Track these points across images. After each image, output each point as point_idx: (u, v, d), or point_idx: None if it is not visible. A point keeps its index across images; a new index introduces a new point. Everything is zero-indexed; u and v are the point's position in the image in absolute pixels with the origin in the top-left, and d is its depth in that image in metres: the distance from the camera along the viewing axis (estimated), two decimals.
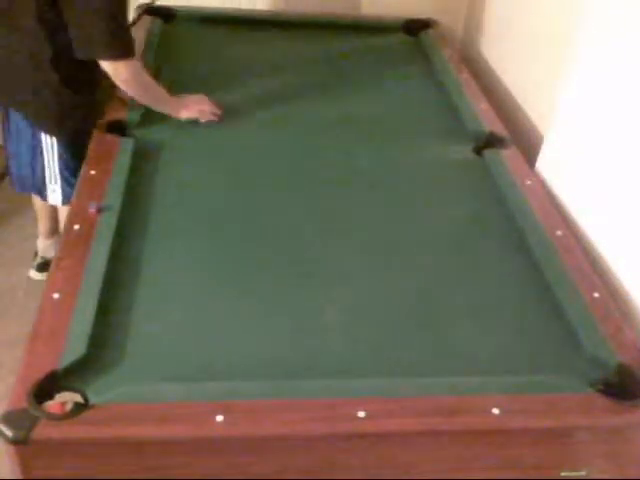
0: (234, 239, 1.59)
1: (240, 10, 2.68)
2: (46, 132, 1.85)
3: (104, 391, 1.16)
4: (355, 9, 2.85)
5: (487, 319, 1.43)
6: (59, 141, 1.87)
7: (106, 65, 1.75)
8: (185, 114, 1.96)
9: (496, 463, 1.24)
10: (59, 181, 1.95)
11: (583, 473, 1.26)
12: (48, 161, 1.91)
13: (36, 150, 1.90)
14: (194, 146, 1.91)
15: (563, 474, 1.26)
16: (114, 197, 1.60)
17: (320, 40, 2.59)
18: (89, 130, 1.84)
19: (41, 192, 2.01)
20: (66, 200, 1.96)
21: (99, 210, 1.54)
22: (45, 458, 1.12)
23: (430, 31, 2.65)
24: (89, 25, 1.68)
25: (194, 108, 1.97)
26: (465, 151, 1.98)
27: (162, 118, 1.99)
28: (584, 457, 1.27)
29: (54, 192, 1.97)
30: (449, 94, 2.24)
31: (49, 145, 1.88)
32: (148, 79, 1.88)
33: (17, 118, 1.88)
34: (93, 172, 1.69)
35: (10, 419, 1.09)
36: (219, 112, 2.01)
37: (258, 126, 2.03)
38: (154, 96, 1.92)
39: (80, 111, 1.86)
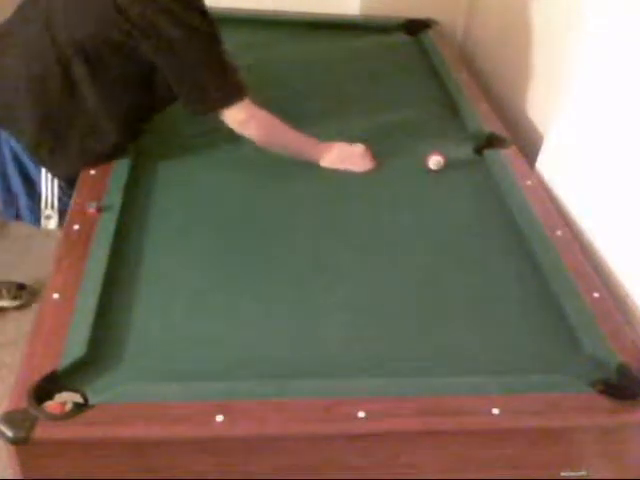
0: (235, 239, 1.59)
1: (240, 10, 2.68)
2: (54, 175, 1.77)
3: (104, 391, 1.16)
4: (355, 9, 2.85)
5: (487, 319, 1.43)
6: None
7: (222, 116, 1.68)
8: (327, 160, 1.82)
9: (496, 463, 1.24)
10: (56, 206, 1.85)
11: (583, 473, 1.26)
12: (46, 188, 1.83)
13: (29, 179, 1.81)
14: (194, 145, 1.90)
15: (563, 474, 1.26)
16: (114, 197, 1.60)
17: (320, 40, 2.59)
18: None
19: (28, 218, 1.91)
20: (60, 224, 1.87)
21: (99, 210, 1.54)
22: (45, 458, 1.12)
23: (430, 31, 2.65)
24: (192, 82, 1.64)
25: (337, 155, 1.82)
26: (465, 151, 1.98)
27: (162, 118, 1.99)
28: (584, 457, 1.27)
29: (49, 218, 1.88)
30: (449, 94, 2.25)
31: (49, 177, 1.80)
32: (271, 118, 1.74)
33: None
34: (93, 172, 1.69)
35: (10, 419, 1.08)
36: (367, 161, 1.84)
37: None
38: (285, 138, 1.78)
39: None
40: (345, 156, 1.84)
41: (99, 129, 1.70)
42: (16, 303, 2.24)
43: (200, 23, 1.60)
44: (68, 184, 1.79)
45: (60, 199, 1.83)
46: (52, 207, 1.86)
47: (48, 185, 1.81)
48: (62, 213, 1.85)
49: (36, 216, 1.88)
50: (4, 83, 1.69)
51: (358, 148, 1.85)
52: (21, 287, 2.26)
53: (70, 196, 1.79)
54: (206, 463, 1.17)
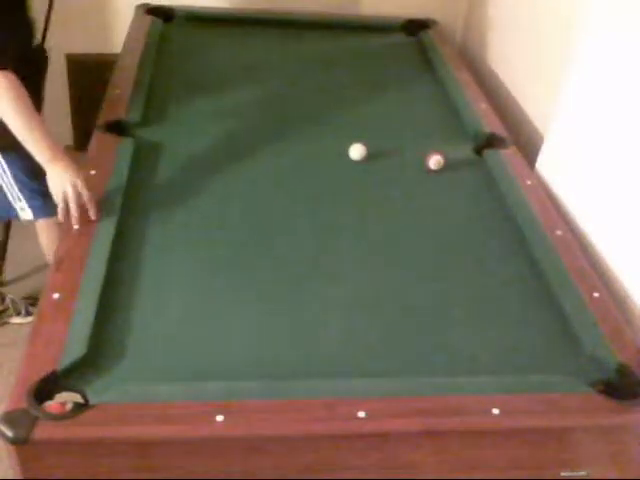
0: (234, 239, 1.59)
1: (240, 10, 2.68)
2: None
3: (104, 391, 1.16)
4: (355, 9, 2.85)
5: (487, 319, 1.43)
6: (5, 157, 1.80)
7: None
8: (57, 171, 1.54)
9: (496, 463, 1.24)
10: (23, 199, 1.89)
11: (583, 473, 1.26)
12: (5, 185, 1.86)
13: None
14: (194, 146, 1.90)
15: (563, 474, 1.26)
16: (114, 197, 1.60)
17: (320, 40, 2.59)
18: None
19: (9, 214, 1.97)
20: (39, 213, 1.92)
21: None
22: (45, 458, 1.12)
23: (430, 31, 2.65)
24: None
25: (68, 176, 1.52)
26: (465, 151, 1.98)
27: (162, 118, 1.99)
28: (584, 457, 1.27)
29: (23, 210, 1.92)
30: (449, 94, 2.25)
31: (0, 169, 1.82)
32: (24, 95, 1.56)
33: None
34: (93, 172, 1.69)
35: (10, 419, 1.08)
36: (89, 212, 1.53)
37: (257, 126, 2.03)
38: (30, 122, 1.55)
39: None
40: (70, 163, 1.57)
41: None
42: (30, 319, 2.20)
43: None
44: (23, 170, 1.81)
45: (22, 191, 1.85)
46: (19, 199, 1.88)
47: (5, 181, 1.84)
48: (32, 203, 1.89)
49: (9, 208, 1.92)
50: None
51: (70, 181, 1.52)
52: (32, 301, 2.23)
53: (30, 185, 1.83)
54: (206, 463, 1.17)
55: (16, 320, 2.23)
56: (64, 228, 1.54)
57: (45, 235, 2.05)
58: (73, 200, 1.49)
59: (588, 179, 1.72)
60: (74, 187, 1.50)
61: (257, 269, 1.51)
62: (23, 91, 1.56)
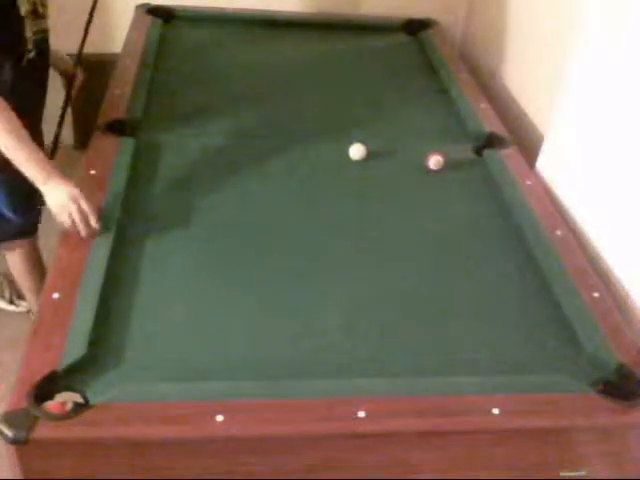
0: (234, 239, 1.59)
1: (240, 10, 2.68)
2: None
3: (104, 391, 1.16)
4: (355, 9, 2.85)
5: (487, 319, 1.43)
6: None
7: None
8: (53, 189, 1.49)
9: (496, 463, 1.24)
10: None
11: (583, 473, 1.26)
12: None
13: None
14: (194, 145, 1.90)
15: (563, 474, 1.26)
16: (114, 197, 1.60)
17: (320, 40, 2.59)
18: None
19: None
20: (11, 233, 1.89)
21: None
22: (45, 458, 1.12)
23: (430, 31, 2.65)
24: None
25: (66, 192, 1.48)
26: (465, 151, 1.98)
27: (162, 117, 1.99)
28: (584, 457, 1.27)
29: None
30: (449, 94, 2.24)
31: None
32: (13, 117, 1.51)
33: None
34: (93, 172, 1.69)
35: (10, 419, 1.09)
36: (90, 221, 1.49)
37: (257, 126, 2.03)
38: (20, 143, 1.50)
39: None
40: (65, 183, 1.51)
41: None
42: (12, 308, 2.25)
43: None
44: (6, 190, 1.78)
45: None
46: None
47: None
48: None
49: None
50: None
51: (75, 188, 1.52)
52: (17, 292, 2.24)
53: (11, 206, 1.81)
54: (206, 463, 1.17)
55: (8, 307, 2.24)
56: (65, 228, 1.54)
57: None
58: (77, 214, 1.47)
59: (588, 179, 1.72)
60: (75, 201, 1.47)
61: (257, 269, 1.51)
62: (11, 113, 1.51)
